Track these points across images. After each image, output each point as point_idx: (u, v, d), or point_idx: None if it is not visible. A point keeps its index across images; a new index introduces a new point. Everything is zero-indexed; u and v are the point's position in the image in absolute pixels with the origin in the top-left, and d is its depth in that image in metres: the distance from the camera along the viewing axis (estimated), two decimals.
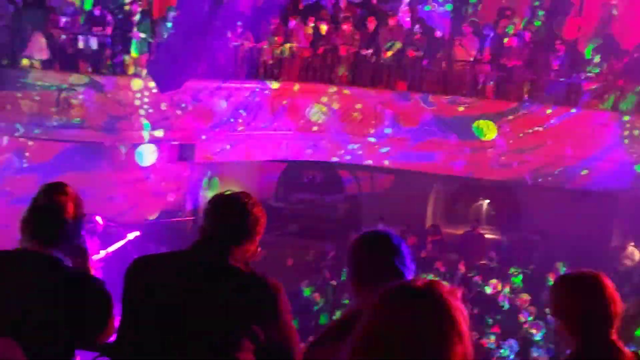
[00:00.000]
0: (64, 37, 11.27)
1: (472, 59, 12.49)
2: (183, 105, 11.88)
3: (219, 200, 2.80)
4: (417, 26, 12.62)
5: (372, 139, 12.71)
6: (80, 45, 11.32)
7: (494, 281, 11.19)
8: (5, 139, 11.20)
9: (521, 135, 12.04)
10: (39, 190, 3.31)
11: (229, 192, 2.86)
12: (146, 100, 11.51)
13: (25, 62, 11.05)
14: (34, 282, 2.86)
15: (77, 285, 3.06)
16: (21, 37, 10.96)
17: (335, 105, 12.70)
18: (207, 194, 13.31)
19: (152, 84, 11.17)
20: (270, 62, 12.74)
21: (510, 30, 12.35)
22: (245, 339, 2.56)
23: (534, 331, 10.03)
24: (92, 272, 3.53)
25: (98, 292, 3.04)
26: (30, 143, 11.49)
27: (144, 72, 11.33)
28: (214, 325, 2.55)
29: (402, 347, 1.55)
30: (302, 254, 12.90)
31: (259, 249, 2.83)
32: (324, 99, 12.70)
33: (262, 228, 2.76)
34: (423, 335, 1.55)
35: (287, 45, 12.64)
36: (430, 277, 10.74)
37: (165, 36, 11.16)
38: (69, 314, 2.79)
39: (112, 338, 2.95)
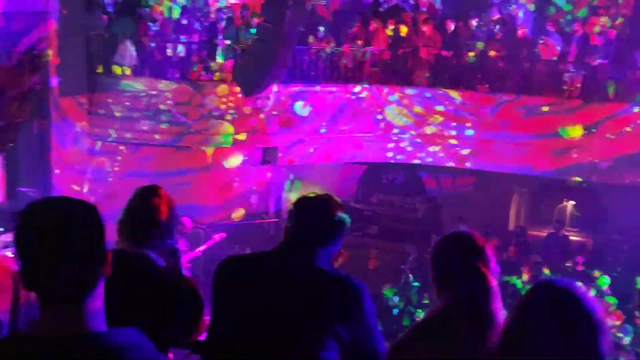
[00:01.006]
0: (153, 45, 11.72)
1: (555, 58, 12.28)
2: (266, 109, 12.15)
3: (304, 202, 2.87)
4: (498, 26, 12.50)
5: (454, 141, 12.66)
6: (169, 52, 11.74)
7: (579, 284, 10.92)
8: (99, 144, 11.70)
9: (609, 135, 11.76)
10: (134, 192, 3.49)
11: (313, 194, 2.94)
12: (231, 104, 11.83)
13: (117, 69, 11.55)
14: (132, 281, 3.04)
15: (170, 284, 3.22)
16: (114, 46, 11.45)
17: (416, 108, 12.71)
18: (290, 197, 13.54)
19: (236, 89, 11.47)
20: (351, 65, 12.87)
21: (597, 29, 12.08)
22: (330, 339, 2.62)
23: (621, 335, 9.78)
24: (184, 272, 3.71)
25: (190, 292, 3.18)
26: (121, 147, 11.96)
27: (229, 77, 11.64)
28: (300, 325, 2.62)
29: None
30: (383, 255, 12.93)
31: (343, 251, 2.91)
32: (405, 102, 12.73)
33: (345, 229, 2.83)
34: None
35: (368, 48, 12.75)
36: (515, 279, 10.64)
37: (250, 42, 11.44)
38: (162, 313, 2.92)
39: (203, 336, 3.09)
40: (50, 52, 9.81)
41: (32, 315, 3.10)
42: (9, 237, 8.59)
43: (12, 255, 2.97)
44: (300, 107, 12.42)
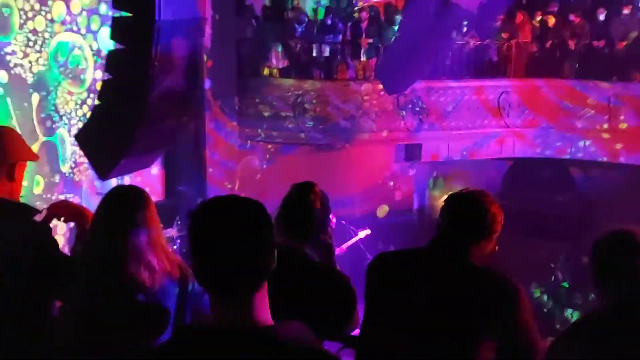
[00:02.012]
0: (299, 46, 12.04)
1: None
2: (410, 106, 12.16)
3: (456, 199, 2.86)
4: None
5: (606, 135, 12.12)
6: (314, 53, 12.02)
7: None
8: (249, 143, 12.17)
9: None
10: (290, 189, 3.65)
11: (465, 191, 2.94)
12: (374, 102, 11.94)
13: (265, 71, 11.98)
14: (288, 275, 3.16)
15: (326, 279, 3.32)
16: (262, 49, 11.89)
17: (566, 101, 12.29)
18: (433, 193, 13.48)
19: (379, 87, 11.56)
20: (496, 59, 12.63)
21: None
22: (486, 337, 2.62)
23: None
24: (337, 266, 3.81)
25: (344, 286, 3.28)
26: (269, 146, 12.38)
27: (373, 76, 11.77)
28: (455, 323, 2.62)
29: None
30: (531, 254, 12.60)
31: (496, 248, 2.89)
32: (553, 95, 12.34)
33: (499, 226, 2.80)
34: None
35: (513, 41, 12.46)
36: None
37: (392, 40, 11.50)
38: (317, 307, 2.98)
39: (356, 331, 3.17)
40: (204, 56, 10.36)
41: (198, 308, 3.32)
42: (170, 233, 9.17)
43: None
44: (444, 103, 12.34)
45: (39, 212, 3.05)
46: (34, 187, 9.57)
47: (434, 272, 2.75)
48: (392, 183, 13.08)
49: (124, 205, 3.13)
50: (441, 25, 10.78)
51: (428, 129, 12.36)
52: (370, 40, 11.97)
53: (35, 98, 9.52)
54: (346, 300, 3.20)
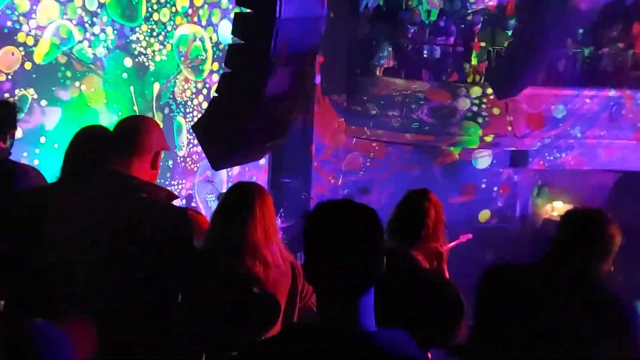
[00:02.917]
0: (410, 47, 12.06)
1: None
2: (518, 111, 11.97)
3: (575, 217, 2.87)
4: None
5: None
6: (425, 54, 12.01)
7: None
8: (354, 140, 12.29)
9: None
10: (405, 194, 3.71)
11: (583, 208, 2.92)
12: (483, 106, 11.83)
13: (375, 70, 12.06)
14: (397, 281, 3.19)
15: (435, 287, 3.35)
16: (373, 48, 11.97)
17: None
18: (537, 202, 13.20)
19: (489, 91, 11.43)
20: (611, 69, 12.24)
21: None
22: (601, 356, 2.65)
23: None
24: (447, 275, 3.83)
25: (454, 297, 3.28)
26: (374, 144, 12.46)
27: (483, 79, 11.65)
28: (573, 342, 2.65)
29: None
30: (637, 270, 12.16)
31: (612, 268, 2.87)
32: None
33: (617, 247, 2.80)
34: None
35: (630, 51, 12.05)
36: None
37: (505, 44, 11.34)
38: (424, 314, 3.05)
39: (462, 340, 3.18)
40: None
41: (307, 306, 3.41)
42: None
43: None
44: (554, 111, 12.07)
45: (177, 197, 3.21)
46: None
47: (555, 290, 2.77)
48: (495, 188, 12.90)
49: (242, 200, 3.27)
50: (556, 31, 10.55)
51: (536, 136, 12.13)
52: (482, 44, 11.85)
53: (156, 86, 9.95)
54: (455, 311, 3.19)
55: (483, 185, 12.85)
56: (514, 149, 12.36)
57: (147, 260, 2.86)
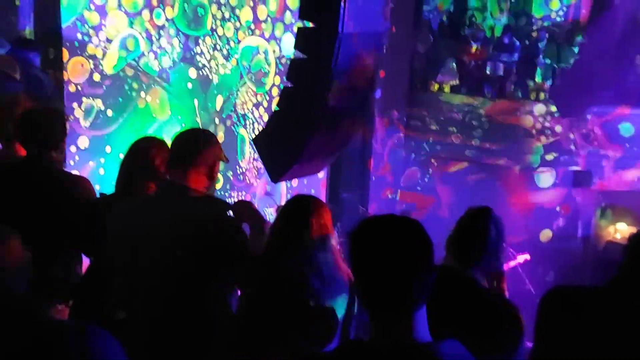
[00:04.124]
0: (472, 63, 11.95)
1: None
2: (583, 130, 11.74)
3: None
4: None
5: None
6: (487, 70, 11.89)
7: None
8: (413, 155, 12.23)
9: None
10: (466, 212, 3.66)
11: None
12: (547, 124, 11.63)
13: (435, 86, 11.99)
14: (453, 298, 3.16)
15: (493, 307, 3.29)
16: (436, 64, 11.92)
17: None
18: (600, 223, 12.88)
19: (553, 109, 11.24)
20: None
21: None
22: None
23: None
24: (506, 294, 3.77)
25: (513, 317, 3.23)
26: (432, 160, 12.37)
27: (546, 96, 11.47)
28: None
29: None
30: None
31: None
32: None
33: None
34: None
35: None
36: None
37: (571, 61, 11.14)
38: (481, 334, 2.96)
39: None
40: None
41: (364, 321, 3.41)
42: None
43: None
44: (621, 130, 11.78)
45: (231, 208, 3.27)
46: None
47: (621, 316, 2.69)
48: (557, 208, 12.65)
49: (301, 211, 3.30)
50: (624, 48, 10.33)
51: (601, 156, 11.85)
52: (548, 61, 11.67)
53: (219, 99, 10.09)
54: (514, 332, 3.15)
55: (545, 204, 12.62)
56: (577, 168, 12.10)
57: (200, 268, 2.92)
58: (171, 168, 3.08)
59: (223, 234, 3.02)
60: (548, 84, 11.72)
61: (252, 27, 10.26)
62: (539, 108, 11.59)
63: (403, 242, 1.86)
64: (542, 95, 11.74)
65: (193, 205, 3.00)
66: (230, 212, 3.26)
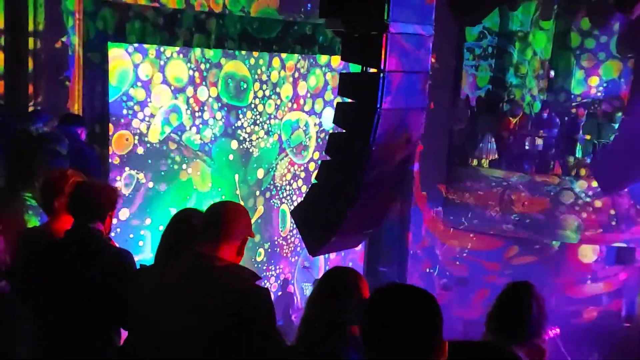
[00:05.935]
0: (512, 138, 11.99)
1: None
2: (624, 206, 11.59)
3: None
4: None
5: None
6: (527, 146, 11.90)
7: None
8: (451, 230, 12.17)
9: None
10: (506, 287, 3.62)
11: None
12: (588, 200, 11.53)
13: (474, 162, 12.03)
14: None
15: None
16: (475, 139, 11.99)
17: None
18: None
19: (594, 184, 11.17)
20: None
21: None
22: None
23: None
24: None
25: None
26: (471, 234, 12.28)
27: (587, 172, 11.41)
28: None
29: None
30: None
31: None
32: None
33: None
34: None
35: None
36: None
37: (611, 137, 11.11)
38: None
39: None
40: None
41: None
42: None
43: None
44: None
45: (260, 278, 3.28)
46: (256, 256, 10.26)
47: None
48: (600, 285, 12.39)
49: (339, 284, 3.31)
50: None
51: None
52: (587, 137, 11.66)
53: (260, 172, 10.22)
54: None
55: (587, 282, 12.38)
56: (619, 244, 11.90)
57: (226, 339, 2.91)
58: (202, 240, 3.12)
59: (250, 304, 3.02)
60: (588, 159, 11.67)
61: (292, 101, 10.44)
62: (581, 184, 11.51)
63: (406, 315, 1.90)
64: (582, 171, 11.68)
65: (220, 275, 3.02)
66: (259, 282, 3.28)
